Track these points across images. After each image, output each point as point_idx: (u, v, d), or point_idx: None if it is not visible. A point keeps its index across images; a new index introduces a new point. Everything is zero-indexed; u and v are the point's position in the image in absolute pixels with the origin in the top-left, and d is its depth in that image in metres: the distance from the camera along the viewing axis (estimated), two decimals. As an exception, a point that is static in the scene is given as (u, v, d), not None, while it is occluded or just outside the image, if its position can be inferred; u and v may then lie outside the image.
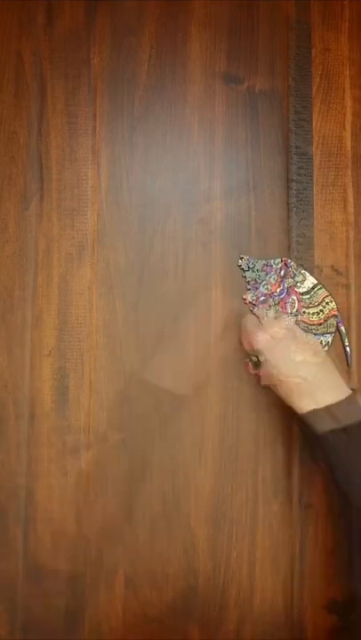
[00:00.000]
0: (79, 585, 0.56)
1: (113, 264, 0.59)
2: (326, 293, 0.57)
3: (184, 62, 0.60)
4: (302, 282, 0.57)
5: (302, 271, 0.57)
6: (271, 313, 0.55)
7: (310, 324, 0.57)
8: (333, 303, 0.57)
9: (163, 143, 0.60)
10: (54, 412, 0.57)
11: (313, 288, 0.57)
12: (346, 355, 0.57)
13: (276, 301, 0.57)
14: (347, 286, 0.58)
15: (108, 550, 0.56)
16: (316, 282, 0.57)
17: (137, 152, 0.60)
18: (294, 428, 0.57)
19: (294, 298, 0.57)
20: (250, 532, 0.56)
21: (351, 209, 0.59)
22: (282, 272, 0.57)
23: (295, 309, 0.57)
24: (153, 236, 0.59)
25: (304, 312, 0.57)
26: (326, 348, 0.57)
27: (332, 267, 0.59)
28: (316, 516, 0.56)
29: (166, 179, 0.60)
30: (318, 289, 0.57)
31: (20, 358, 0.58)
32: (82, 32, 0.60)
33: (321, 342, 0.57)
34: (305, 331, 0.57)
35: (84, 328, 0.58)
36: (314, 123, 0.60)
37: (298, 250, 0.58)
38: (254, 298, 0.57)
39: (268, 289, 0.57)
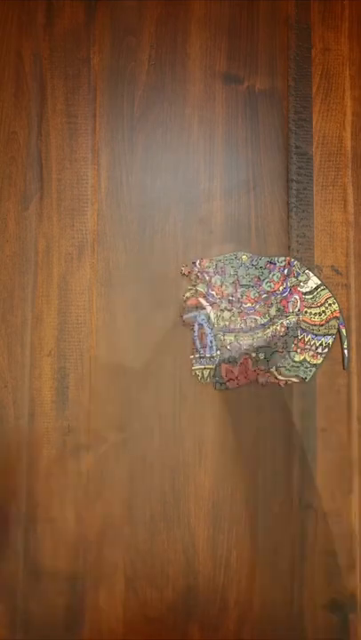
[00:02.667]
0: (79, 585, 0.56)
1: (113, 264, 0.59)
2: (329, 295, 0.57)
3: (184, 62, 0.60)
4: (306, 282, 0.57)
5: (306, 271, 0.57)
6: None
7: (312, 325, 0.57)
8: (336, 305, 0.57)
9: (163, 143, 0.60)
10: (54, 412, 0.57)
11: (316, 288, 0.57)
12: (343, 357, 0.57)
13: (279, 299, 0.57)
14: (347, 286, 0.58)
15: (108, 550, 0.56)
16: (319, 282, 0.57)
17: (137, 152, 0.60)
18: (294, 427, 0.57)
19: (297, 297, 0.57)
20: (250, 532, 0.56)
21: (351, 209, 0.59)
22: (285, 271, 0.57)
23: (297, 308, 0.57)
24: (153, 236, 0.59)
25: (306, 312, 0.57)
26: (326, 349, 0.57)
27: (332, 267, 0.59)
28: (316, 515, 0.56)
29: (166, 179, 0.60)
30: (321, 290, 0.57)
31: (20, 358, 0.58)
32: (82, 32, 0.60)
33: (322, 343, 0.57)
34: (306, 331, 0.57)
35: (84, 328, 0.58)
36: (314, 123, 0.60)
37: (298, 250, 0.58)
38: (256, 295, 0.57)
39: (270, 287, 0.57)
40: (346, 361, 0.57)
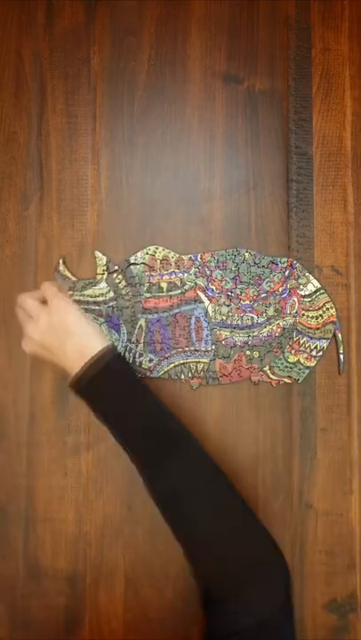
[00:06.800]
0: (79, 585, 0.56)
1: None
2: (328, 299, 0.57)
3: (184, 62, 0.60)
4: (305, 284, 0.57)
5: (306, 274, 0.57)
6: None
7: (308, 327, 0.57)
8: (333, 310, 0.57)
9: (163, 143, 0.60)
10: (54, 412, 0.57)
11: (315, 292, 0.57)
12: (338, 362, 0.57)
13: (277, 300, 0.57)
14: (347, 286, 0.58)
15: (108, 550, 0.56)
16: (319, 286, 0.57)
17: (137, 152, 0.60)
18: (294, 427, 0.57)
19: (295, 299, 0.57)
20: (250, 531, 0.56)
21: (351, 209, 0.59)
22: (286, 272, 0.57)
23: (295, 310, 0.57)
24: (153, 236, 0.59)
25: (303, 314, 0.57)
26: (321, 353, 0.57)
27: (332, 267, 0.59)
28: (316, 515, 0.56)
29: (166, 179, 0.60)
30: (320, 293, 0.57)
31: (20, 359, 0.58)
32: (82, 32, 0.60)
33: (316, 347, 0.57)
34: (302, 333, 0.57)
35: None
36: (314, 123, 0.60)
37: (298, 250, 0.58)
38: (255, 293, 0.57)
39: (270, 286, 0.57)
40: (341, 365, 0.57)
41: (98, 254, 0.57)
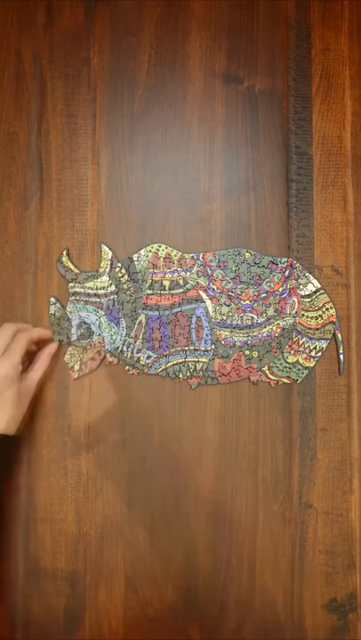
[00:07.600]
0: (79, 585, 0.56)
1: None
2: (328, 299, 0.57)
3: (184, 62, 0.60)
4: (305, 285, 0.57)
5: (306, 274, 0.57)
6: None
7: (307, 328, 0.57)
8: (333, 310, 0.57)
9: (163, 143, 0.60)
10: (54, 412, 0.57)
11: (315, 292, 0.57)
12: (339, 363, 0.57)
13: (277, 300, 0.57)
14: (347, 286, 0.58)
15: (108, 550, 0.56)
16: (319, 286, 0.57)
17: (137, 152, 0.60)
18: (294, 427, 0.57)
19: (295, 299, 0.57)
20: (250, 531, 0.56)
21: (351, 209, 0.59)
22: (286, 272, 0.57)
23: (295, 311, 0.57)
24: (153, 236, 0.59)
25: (303, 315, 0.57)
26: (320, 354, 0.57)
27: (332, 267, 0.59)
28: (316, 515, 0.56)
29: (166, 179, 0.60)
30: (320, 294, 0.57)
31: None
32: (81, 32, 0.60)
33: (316, 347, 0.57)
34: (301, 334, 0.57)
35: (84, 328, 0.58)
36: (314, 123, 0.60)
37: (298, 250, 0.58)
38: (255, 293, 0.57)
39: (270, 287, 0.57)
40: (341, 366, 0.57)
41: (104, 248, 0.57)
